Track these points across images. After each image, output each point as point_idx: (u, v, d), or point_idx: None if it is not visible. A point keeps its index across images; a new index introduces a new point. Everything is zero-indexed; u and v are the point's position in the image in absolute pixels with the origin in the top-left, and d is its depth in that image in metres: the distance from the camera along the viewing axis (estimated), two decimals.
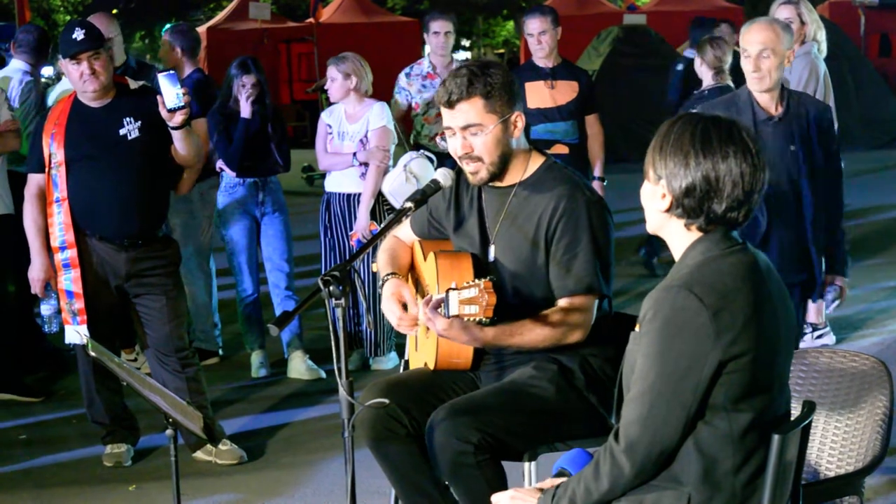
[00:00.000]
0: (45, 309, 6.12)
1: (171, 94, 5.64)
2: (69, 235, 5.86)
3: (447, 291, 3.78)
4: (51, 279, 6.00)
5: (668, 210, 3.15)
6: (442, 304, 3.83)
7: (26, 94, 7.73)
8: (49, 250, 5.94)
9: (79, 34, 5.74)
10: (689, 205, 3.11)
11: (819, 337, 7.72)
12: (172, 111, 5.65)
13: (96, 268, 5.91)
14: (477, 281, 3.71)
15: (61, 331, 6.06)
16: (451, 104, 4.11)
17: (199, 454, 6.20)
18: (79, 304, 5.88)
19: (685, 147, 3.09)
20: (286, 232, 7.71)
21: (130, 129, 5.84)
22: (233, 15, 28.32)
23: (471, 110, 4.08)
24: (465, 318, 3.74)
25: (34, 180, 5.95)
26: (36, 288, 6.06)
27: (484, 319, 3.72)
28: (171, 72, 5.74)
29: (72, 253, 5.87)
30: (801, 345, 7.34)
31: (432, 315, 3.83)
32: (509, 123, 4.12)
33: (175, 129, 5.75)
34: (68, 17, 38.53)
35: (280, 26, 28.39)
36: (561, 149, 7.90)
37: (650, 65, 18.51)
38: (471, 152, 4.12)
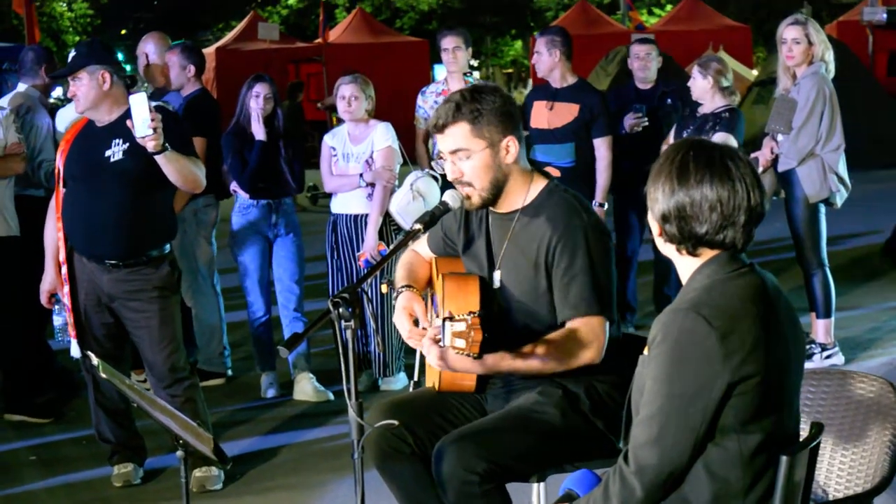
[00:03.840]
0: (56, 320, 6.21)
1: (138, 120, 5.54)
2: (64, 252, 5.95)
3: (443, 320, 3.75)
4: (58, 291, 6.06)
5: (659, 235, 3.20)
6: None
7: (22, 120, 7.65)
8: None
9: (70, 55, 5.80)
10: (670, 230, 3.16)
11: (828, 357, 7.71)
12: (143, 139, 5.58)
13: (87, 286, 5.97)
14: (465, 316, 3.68)
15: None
16: (439, 129, 4.14)
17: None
18: (70, 319, 5.99)
19: (663, 175, 3.16)
20: (298, 254, 7.71)
21: (115, 151, 5.80)
22: (241, 35, 28.47)
23: (458, 135, 4.10)
24: (455, 351, 3.73)
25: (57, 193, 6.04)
26: (42, 299, 6.14)
27: (471, 355, 3.71)
28: (142, 94, 5.60)
29: (66, 269, 5.97)
30: (810, 365, 7.33)
31: (428, 348, 3.84)
32: (499, 148, 4.12)
33: (154, 154, 5.67)
34: (77, 38, 38.70)
35: (289, 46, 28.51)
36: (553, 172, 7.83)
37: None
38: (461, 177, 4.14)
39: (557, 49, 8.12)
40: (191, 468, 6.01)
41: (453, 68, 8.21)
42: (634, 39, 9.16)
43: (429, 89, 8.47)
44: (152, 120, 5.54)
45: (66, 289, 5.96)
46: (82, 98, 5.79)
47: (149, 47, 8.20)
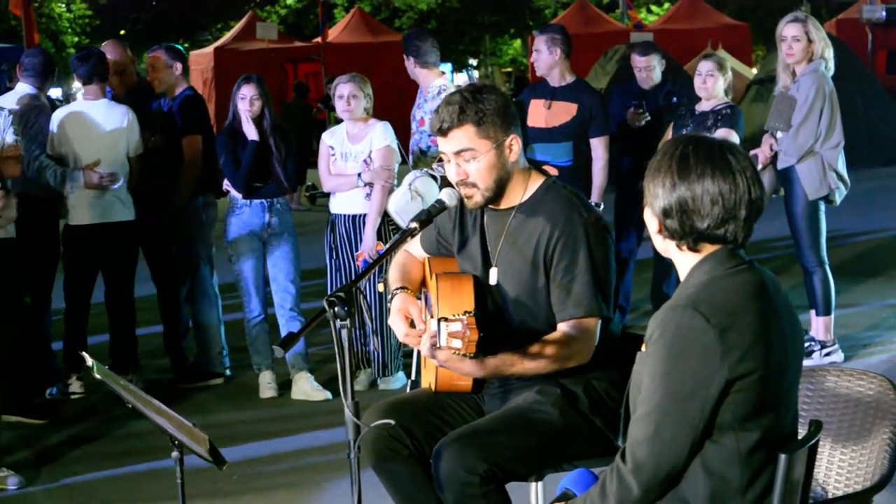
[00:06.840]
0: None
1: None
2: None
3: (439, 321, 3.74)
4: None
5: (659, 232, 3.17)
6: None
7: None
8: None
9: None
10: (672, 226, 3.13)
11: (827, 355, 7.69)
12: None
13: None
14: (461, 315, 3.68)
15: None
16: (443, 132, 4.11)
17: None
18: None
19: (663, 170, 3.13)
20: (293, 253, 7.69)
21: None
22: (240, 35, 28.52)
23: (463, 137, 4.07)
24: (452, 352, 3.72)
25: None
26: None
27: (468, 355, 3.70)
28: None
29: None
30: (809, 363, 7.32)
31: (430, 350, 3.80)
32: (504, 147, 4.10)
33: None
34: (76, 39, 38.70)
35: (287, 46, 28.53)
36: (551, 171, 7.73)
37: None
38: (465, 178, 4.12)
39: (558, 47, 8.07)
40: None
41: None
42: (634, 45, 8.96)
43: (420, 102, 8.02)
44: None
45: None
46: None
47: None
